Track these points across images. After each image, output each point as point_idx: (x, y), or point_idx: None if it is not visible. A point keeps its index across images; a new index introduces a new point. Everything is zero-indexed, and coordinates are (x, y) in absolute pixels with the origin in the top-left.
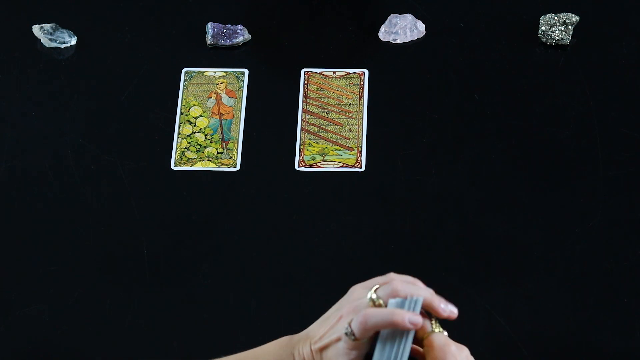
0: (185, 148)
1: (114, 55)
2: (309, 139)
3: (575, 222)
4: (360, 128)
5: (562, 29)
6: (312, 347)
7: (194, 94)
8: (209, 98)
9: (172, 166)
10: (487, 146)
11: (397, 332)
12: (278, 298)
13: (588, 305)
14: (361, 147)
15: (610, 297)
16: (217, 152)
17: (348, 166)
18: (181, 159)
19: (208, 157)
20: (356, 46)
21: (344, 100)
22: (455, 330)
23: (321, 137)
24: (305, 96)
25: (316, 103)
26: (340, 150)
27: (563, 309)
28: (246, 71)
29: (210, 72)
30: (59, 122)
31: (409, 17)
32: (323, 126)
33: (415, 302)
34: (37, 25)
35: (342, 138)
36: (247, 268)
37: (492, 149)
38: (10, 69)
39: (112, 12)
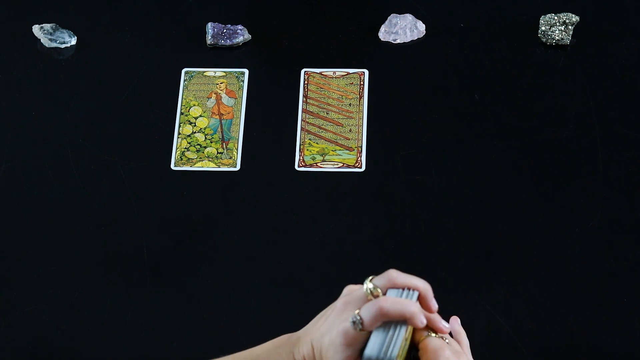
0: (185, 148)
1: (114, 55)
2: (309, 139)
3: (575, 222)
4: (360, 128)
5: (562, 29)
6: (314, 345)
7: (194, 94)
8: (209, 98)
9: (172, 166)
10: (487, 146)
11: (390, 324)
12: (278, 298)
13: (588, 305)
14: (361, 147)
15: (610, 297)
16: (217, 152)
17: (348, 166)
18: (181, 159)
19: (208, 157)
20: (356, 46)
21: (344, 100)
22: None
23: (321, 137)
24: (305, 96)
25: (316, 103)
26: (340, 150)
27: (563, 309)
28: (246, 71)
29: (210, 72)
30: (59, 122)
31: (409, 17)
32: (323, 126)
33: (413, 294)
34: (37, 25)
35: (342, 138)
36: (247, 268)
37: (492, 149)
38: (10, 69)
39: (112, 12)
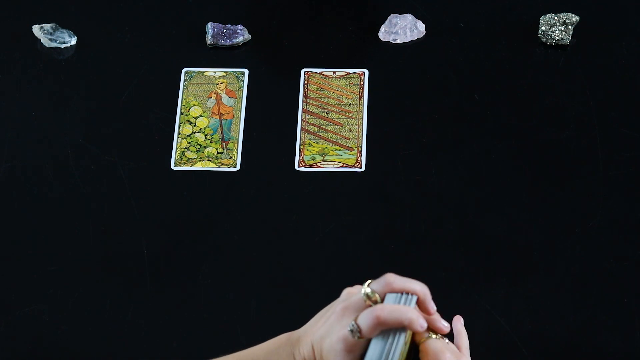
0: (185, 148)
1: (114, 55)
2: (309, 139)
3: (575, 222)
4: (360, 128)
5: (562, 29)
6: (314, 347)
7: (194, 94)
8: (209, 98)
9: (172, 166)
10: (487, 146)
11: (391, 329)
12: (278, 298)
13: (588, 305)
14: (361, 147)
15: (610, 297)
16: (217, 152)
17: (348, 166)
18: (181, 159)
19: (208, 157)
20: (356, 46)
21: (344, 100)
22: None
23: (321, 137)
24: (305, 96)
25: (316, 103)
26: (340, 150)
27: (563, 309)
28: (246, 71)
29: (210, 72)
30: (59, 122)
31: (409, 17)
32: (323, 126)
33: (411, 299)
34: (37, 25)
35: (342, 138)
36: (247, 268)
37: (492, 149)
38: (10, 69)
39: (112, 12)
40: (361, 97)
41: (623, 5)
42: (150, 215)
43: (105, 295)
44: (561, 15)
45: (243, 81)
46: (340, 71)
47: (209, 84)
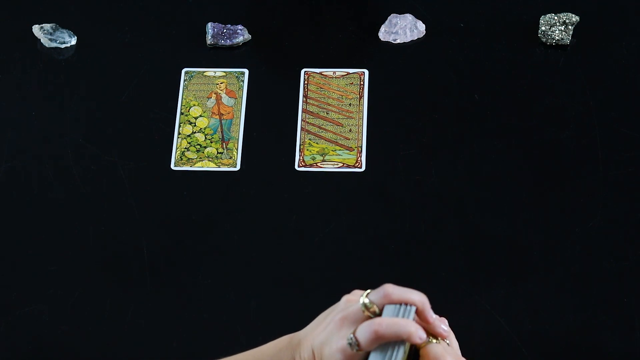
0: (185, 148)
1: (114, 55)
2: (309, 139)
3: (575, 222)
4: (360, 128)
5: (562, 29)
6: (315, 352)
7: (194, 94)
8: (209, 98)
9: (172, 166)
10: (487, 146)
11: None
12: (278, 298)
13: (588, 305)
14: (361, 147)
15: (610, 297)
16: (217, 152)
17: (348, 166)
18: (181, 159)
19: (208, 157)
20: (356, 46)
21: (344, 100)
22: (456, 330)
23: (321, 137)
24: (305, 96)
25: (316, 103)
26: (340, 150)
27: (563, 309)
28: (246, 71)
29: (210, 72)
30: (59, 122)
31: (409, 17)
32: (323, 126)
33: (410, 310)
34: (37, 25)
35: (342, 138)
36: (247, 268)
37: (492, 149)
38: (10, 69)
39: (112, 12)
40: (361, 97)
41: (623, 5)
42: (150, 215)
43: (105, 295)
44: (561, 15)
45: (243, 81)
46: (340, 71)
47: (209, 84)
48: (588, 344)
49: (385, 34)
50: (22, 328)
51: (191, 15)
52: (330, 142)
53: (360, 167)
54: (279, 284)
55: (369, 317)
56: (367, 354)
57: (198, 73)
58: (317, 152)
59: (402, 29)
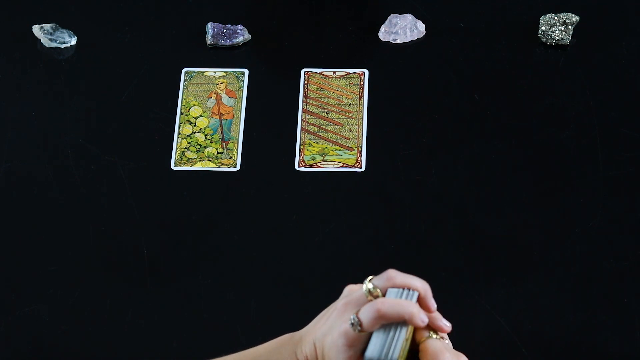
0: (185, 148)
1: (114, 55)
2: (309, 139)
3: (575, 222)
4: (360, 128)
5: (562, 29)
6: (316, 344)
7: (194, 94)
8: (209, 98)
9: (172, 166)
10: (487, 146)
11: (391, 324)
12: (278, 298)
13: (588, 305)
14: (361, 147)
15: (610, 297)
16: (217, 152)
17: (348, 166)
18: (181, 159)
19: (208, 157)
20: (356, 46)
21: (344, 100)
22: (456, 330)
23: (321, 137)
24: (305, 96)
25: (316, 103)
26: (340, 150)
27: (563, 309)
28: (246, 71)
29: (210, 72)
30: (59, 122)
31: (409, 17)
32: (323, 126)
33: (412, 295)
34: (37, 25)
35: (342, 138)
36: (247, 268)
37: (492, 149)
38: (10, 69)
39: (112, 12)
40: (361, 97)
41: (623, 5)
42: (150, 215)
43: (105, 295)
44: (561, 15)
45: (243, 81)
46: (340, 71)
47: (209, 84)
48: (588, 344)
49: (385, 34)
50: (22, 328)
51: (191, 15)
52: (330, 142)
53: (360, 167)
54: (279, 284)
55: None
56: (368, 341)
57: (198, 73)
58: (317, 152)
59: (402, 29)
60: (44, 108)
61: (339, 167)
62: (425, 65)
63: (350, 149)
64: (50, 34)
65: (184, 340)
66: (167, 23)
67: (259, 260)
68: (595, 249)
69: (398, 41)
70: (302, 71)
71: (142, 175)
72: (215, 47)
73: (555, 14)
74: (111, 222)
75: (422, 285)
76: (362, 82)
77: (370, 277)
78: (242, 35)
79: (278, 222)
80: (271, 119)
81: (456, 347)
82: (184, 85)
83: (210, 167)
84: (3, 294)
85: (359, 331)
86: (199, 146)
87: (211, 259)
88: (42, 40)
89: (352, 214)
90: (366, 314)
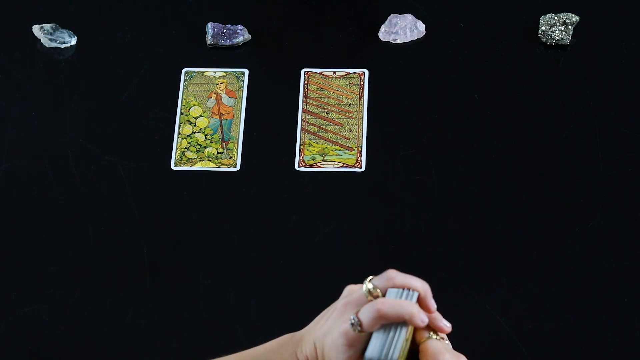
0: (185, 148)
1: (114, 55)
2: (309, 139)
3: (575, 222)
4: (360, 128)
5: (562, 29)
6: (316, 344)
7: (194, 94)
8: (209, 98)
9: (172, 166)
10: (487, 146)
11: (391, 324)
12: (278, 298)
13: (588, 305)
14: (361, 147)
15: (610, 297)
16: (217, 152)
17: (348, 166)
18: (181, 159)
19: (208, 157)
20: (356, 46)
21: (344, 100)
22: (456, 330)
23: (321, 137)
24: (305, 96)
25: (316, 103)
26: (340, 150)
27: (563, 309)
28: (246, 71)
29: (210, 72)
30: (59, 122)
31: (409, 17)
32: (323, 126)
33: (412, 295)
34: (37, 25)
35: (342, 138)
36: (247, 268)
37: (492, 149)
38: (10, 69)
39: (112, 12)
40: (361, 97)
41: (623, 5)
42: (150, 215)
43: (105, 295)
44: (561, 15)
45: (243, 81)
46: (340, 71)
47: (209, 84)
48: (588, 344)
49: (385, 34)
50: (22, 328)
51: (191, 15)
52: (330, 142)
53: (360, 167)
54: (279, 284)
55: None
56: (368, 341)
57: (198, 73)
58: (317, 152)
59: (402, 29)
60: (44, 108)
61: (339, 167)
62: (425, 65)
63: (350, 149)
64: (50, 34)
65: (184, 340)
66: (167, 23)
67: (259, 260)
68: (595, 249)
69: (398, 41)
70: (302, 71)
71: (142, 175)
72: (215, 47)
73: (555, 14)
74: (111, 222)
75: (422, 286)
76: (362, 82)
77: (370, 277)
78: (242, 35)
79: (278, 222)
80: (271, 119)
81: (456, 347)
82: (184, 85)
83: (210, 167)
84: (3, 294)
85: (359, 331)
86: (199, 146)
87: (211, 259)
88: (42, 40)
89: (352, 213)
90: (366, 314)
